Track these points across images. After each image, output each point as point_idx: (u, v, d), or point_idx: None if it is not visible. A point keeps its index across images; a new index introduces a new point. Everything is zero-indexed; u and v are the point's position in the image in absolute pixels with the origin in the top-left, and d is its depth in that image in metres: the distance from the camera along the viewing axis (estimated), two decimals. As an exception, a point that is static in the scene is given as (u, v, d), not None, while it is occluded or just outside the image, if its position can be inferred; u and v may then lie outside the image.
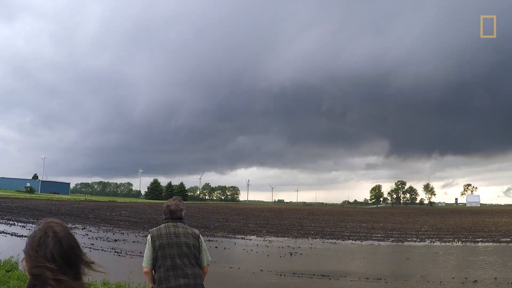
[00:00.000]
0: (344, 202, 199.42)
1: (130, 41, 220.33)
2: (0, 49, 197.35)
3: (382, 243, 18.71)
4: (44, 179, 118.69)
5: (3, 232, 16.33)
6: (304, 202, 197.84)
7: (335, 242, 18.76)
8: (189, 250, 3.48)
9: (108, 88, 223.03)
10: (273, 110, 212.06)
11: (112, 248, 13.55)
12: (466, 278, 10.43)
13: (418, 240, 20.24)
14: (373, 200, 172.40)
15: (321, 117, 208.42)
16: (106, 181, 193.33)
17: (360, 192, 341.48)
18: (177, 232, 3.52)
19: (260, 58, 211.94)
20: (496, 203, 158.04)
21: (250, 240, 18.58)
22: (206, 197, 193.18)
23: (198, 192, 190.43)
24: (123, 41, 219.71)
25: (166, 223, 3.61)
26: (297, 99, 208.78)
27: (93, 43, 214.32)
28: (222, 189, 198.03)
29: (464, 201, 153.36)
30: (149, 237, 3.57)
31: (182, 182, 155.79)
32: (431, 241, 19.55)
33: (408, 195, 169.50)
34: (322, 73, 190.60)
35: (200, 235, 3.71)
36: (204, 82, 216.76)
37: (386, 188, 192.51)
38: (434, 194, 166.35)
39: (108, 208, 42.72)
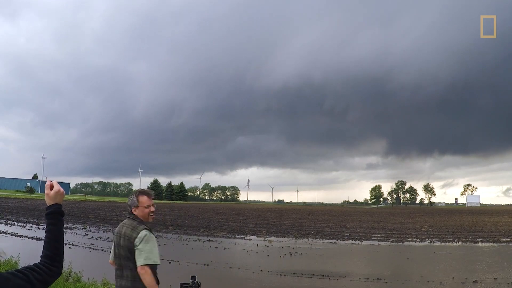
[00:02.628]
0: (344, 202, 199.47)
1: (132, 39, 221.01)
2: (2, 48, 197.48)
3: (382, 243, 18.71)
4: (44, 179, 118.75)
5: (3, 232, 16.33)
6: (304, 202, 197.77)
7: (335, 242, 18.76)
8: (123, 252, 3.33)
9: (108, 87, 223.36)
10: (274, 108, 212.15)
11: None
12: (466, 278, 10.43)
13: (418, 240, 20.24)
14: (373, 200, 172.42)
15: (321, 115, 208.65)
16: (106, 181, 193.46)
17: (360, 192, 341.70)
18: (120, 232, 3.41)
19: (262, 56, 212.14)
20: (496, 203, 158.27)
21: (250, 240, 18.58)
22: (206, 197, 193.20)
23: (198, 192, 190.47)
24: (125, 40, 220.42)
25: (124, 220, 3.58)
26: (298, 97, 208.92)
27: (95, 41, 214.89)
28: (222, 189, 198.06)
29: (464, 201, 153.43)
30: None
31: (182, 182, 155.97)
32: (431, 241, 19.55)
33: (408, 195, 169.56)
34: (323, 72, 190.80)
35: (140, 236, 3.25)
36: (205, 80, 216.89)
37: (386, 188, 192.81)
38: (434, 194, 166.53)
39: (108, 208, 42.72)
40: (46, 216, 1.82)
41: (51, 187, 1.88)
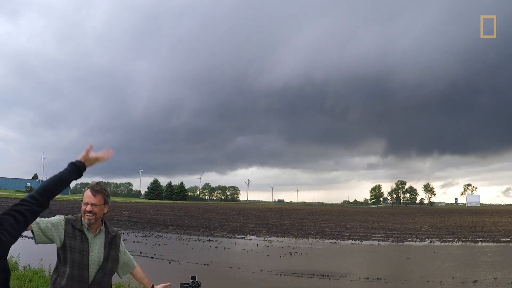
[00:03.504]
0: (344, 202, 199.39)
1: (133, 38, 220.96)
2: (2, 47, 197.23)
3: (382, 243, 18.72)
4: (44, 179, 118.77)
5: (3, 232, 16.34)
6: (304, 202, 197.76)
7: (335, 242, 18.76)
8: None
9: (109, 86, 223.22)
10: (274, 108, 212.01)
11: (112, 248, 13.52)
12: (466, 278, 10.44)
13: (418, 240, 20.24)
14: (373, 200, 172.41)
15: (322, 115, 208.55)
16: (106, 181, 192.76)
17: (360, 192, 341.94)
18: None
19: (263, 56, 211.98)
20: (496, 203, 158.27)
21: (250, 240, 18.58)
22: (206, 197, 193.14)
23: (198, 192, 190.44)
24: (126, 39, 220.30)
25: None
26: (298, 97, 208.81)
27: (95, 40, 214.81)
28: (222, 189, 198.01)
29: (464, 201, 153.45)
30: None
31: (182, 182, 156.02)
32: (431, 241, 19.55)
33: (408, 195, 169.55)
34: (324, 71, 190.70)
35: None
36: (206, 80, 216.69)
37: (386, 188, 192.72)
38: (434, 194, 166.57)
39: (108, 208, 42.71)
40: (70, 164, 2.10)
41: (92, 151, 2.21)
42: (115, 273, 3.04)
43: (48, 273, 8.01)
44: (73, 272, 2.66)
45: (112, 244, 2.89)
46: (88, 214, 2.74)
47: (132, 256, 3.19)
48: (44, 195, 1.84)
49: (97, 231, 2.81)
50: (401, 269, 12.39)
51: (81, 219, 2.77)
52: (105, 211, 2.86)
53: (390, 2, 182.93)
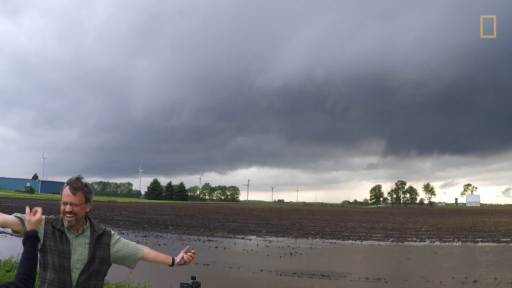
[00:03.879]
0: (344, 202, 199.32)
1: (134, 37, 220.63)
2: (3, 46, 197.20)
3: (382, 243, 18.72)
4: (44, 179, 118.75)
5: (3, 232, 16.33)
6: (304, 202, 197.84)
7: (335, 242, 18.76)
8: None
9: (109, 86, 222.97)
10: (274, 108, 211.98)
11: (112, 248, 13.52)
12: (466, 278, 10.44)
13: (418, 240, 20.24)
14: (373, 200, 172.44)
15: (322, 114, 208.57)
16: (106, 181, 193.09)
17: (360, 192, 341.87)
18: None
19: (263, 55, 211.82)
20: (496, 203, 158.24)
21: (250, 240, 18.58)
22: (206, 197, 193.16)
23: (198, 192, 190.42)
24: (126, 38, 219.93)
25: None
26: (299, 97, 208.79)
27: (96, 39, 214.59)
28: (222, 189, 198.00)
29: (464, 201, 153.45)
30: None
31: (182, 182, 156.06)
32: (431, 241, 19.55)
33: (408, 195, 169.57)
34: (325, 71, 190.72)
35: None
36: (206, 79, 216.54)
37: (386, 188, 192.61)
38: (434, 194, 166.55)
39: (108, 208, 42.69)
40: (27, 239, 2.15)
41: (35, 213, 2.23)
42: (129, 267, 2.77)
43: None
44: (53, 277, 2.42)
45: (98, 243, 2.58)
46: (68, 215, 2.44)
47: (134, 242, 2.87)
48: (29, 280, 1.98)
49: (80, 231, 2.53)
50: (401, 269, 12.39)
51: (62, 219, 2.52)
52: (87, 210, 2.55)
53: (391, 1, 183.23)
